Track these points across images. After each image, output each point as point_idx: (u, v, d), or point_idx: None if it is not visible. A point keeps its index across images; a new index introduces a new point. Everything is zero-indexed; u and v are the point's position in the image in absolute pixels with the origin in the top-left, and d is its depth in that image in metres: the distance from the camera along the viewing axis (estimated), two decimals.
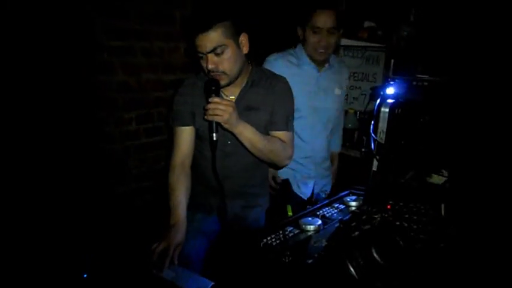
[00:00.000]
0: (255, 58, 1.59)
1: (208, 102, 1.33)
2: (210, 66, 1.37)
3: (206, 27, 1.33)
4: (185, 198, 1.53)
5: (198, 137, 1.59)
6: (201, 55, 1.39)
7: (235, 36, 1.40)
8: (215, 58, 1.37)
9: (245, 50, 1.47)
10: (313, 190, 2.11)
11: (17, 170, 1.89)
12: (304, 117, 1.96)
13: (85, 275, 1.29)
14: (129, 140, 2.38)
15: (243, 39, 1.45)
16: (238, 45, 1.42)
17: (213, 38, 1.34)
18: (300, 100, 1.88)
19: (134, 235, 2.07)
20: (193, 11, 2.38)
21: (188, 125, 1.55)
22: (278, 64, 1.93)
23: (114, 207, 2.25)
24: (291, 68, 1.95)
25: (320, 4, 1.86)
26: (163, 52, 2.43)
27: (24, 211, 1.89)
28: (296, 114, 1.74)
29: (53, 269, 1.77)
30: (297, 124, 1.83)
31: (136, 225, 2.17)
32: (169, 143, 1.64)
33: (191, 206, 1.57)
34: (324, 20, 1.84)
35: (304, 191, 2.08)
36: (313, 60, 1.97)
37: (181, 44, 2.49)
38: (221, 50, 1.36)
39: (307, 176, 2.07)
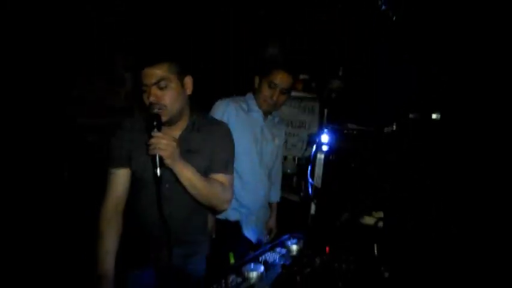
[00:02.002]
0: (196, 104, 1.62)
1: (151, 137, 1.31)
2: (152, 99, 1.38)
3: (154, 61, 1.38)
4: (115, 247, 1.44)
5: (135, 180, 1.52)
6: (144, 88, 1.40)
7: (180, 75, 1.44)
8: (158, 92, 1.39)
9: (188, 91, 1.50)
10: (257, 233, 2.13)
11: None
12: (249, 162, 2.02)
13: None
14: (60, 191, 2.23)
15: (188, 80, 1.49)
16: (182, 84, 1.46)
17: (158, 71, 1.38)
18: (247, 145, 1.95)
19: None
20: (141, 47, 2.40)
21: (124, 167, 1.50)
22: (230, 108, 1.99)
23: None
24: (240, 113, 2.03)
25: (283, 65, 1.99)
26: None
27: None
28: (242, 159, 1.77)
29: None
30: (241, 168, 1.85)
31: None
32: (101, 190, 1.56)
33: (125, 256, 1.47)
34: (281, 79, 1.96)
35: (252, 235, 2.09)
36: (264, 109, 2.07)
37: (121, 88, 2.47)
38: (165, 84, 1.39)
39: (251, 220, 2.10)
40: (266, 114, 2.12)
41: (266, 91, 1.99)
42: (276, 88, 1.98)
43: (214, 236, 2.00)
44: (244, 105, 2.07)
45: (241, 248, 1.98)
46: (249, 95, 2.11)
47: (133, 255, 1.54)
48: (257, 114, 2.08)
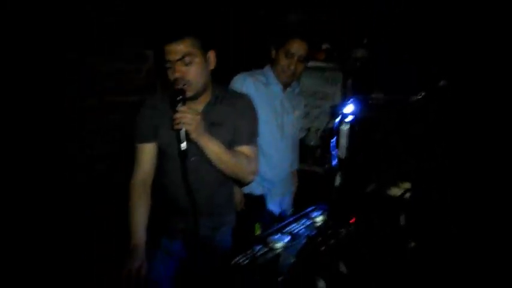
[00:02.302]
0: (218, 78, 1.61)
1: (176, 112, 1.32)
2: (178, 75, 1.38)
3: (177, 37, 1.37)
4: (145, 219, 1.50)
5: (161, 155, 1.56)
6: (169, 65, 1.40)
7: (203, 50, 1.44)
8: (183, 68, 1.39)
9: (212, 65, 1.50)
10: (281, 206, 2.16)
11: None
12: (270, 134, 2.02)
13: None
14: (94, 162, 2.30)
15: (211, 55, 1.48)
16: (205, 59, 1.45)
17: (182, 47, 1.37)
18: (267, 118, 1.95)
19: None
20: (163, 22, 2.38)
21: (150, 142, 1.53)
22: (248, 82, 1.98)
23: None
24: (259, 86, 2.01)
25: (298, 33, 1.97)
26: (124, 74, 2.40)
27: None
28: (263, 132, 1.78)
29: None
30: (264, 141, 1.86)
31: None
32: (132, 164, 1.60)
33: (155, 230, 1.53)
34: (297, 47, 1.94)
35: (275, 208, 2.12)
36: (283, 81, 2.05)
37: (143, 66, 2.48)
38: (189, 60, 1.39)
39: (275, 193, 2.12)
40: (285, 86, 2.09)
41: (283, 61, 1.97)
42: (293, 57, 1.95)
43: (243, 208, 2.04)
44: (262, 78, 2.05)
45: (266, 221, 2.02)
46: (267, 68, 2.09)
47: (163, 227, 1.60)
48: (276, 86, 2.06)
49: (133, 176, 1.54)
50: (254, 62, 2.30)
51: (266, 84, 2.05)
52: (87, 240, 1.96)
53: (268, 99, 2.02)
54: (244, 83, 1.97)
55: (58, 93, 2.03)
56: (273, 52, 2.03)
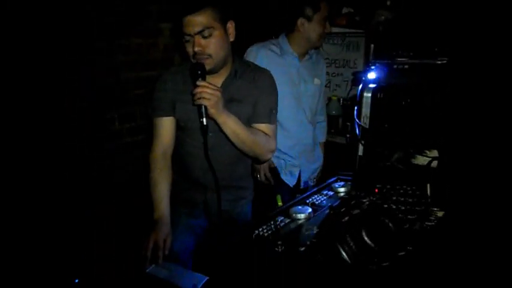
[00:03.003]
0: (238, 50, 1.57)
1: (196, 86, 1.30)
2: (197, 49, 1.35)
3: (196, 8, 1.32)
4: (168, 191, 1.51)
5: (180, 129, 1.56)
6: (187, 38, 1.37)
7: (223, 22, 1.39)
8: (202, 41, 1.35)
9: (231, 37, 1.45)
10: (299, 178, 2.14)
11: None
12: (286, 106, 1.98)
13: (76, 280, 1.27)
14: (112, 140, 2.34)
15: (230, 26, 1.44)
16: (225, 31, 1.41)
17: (201, 19, 1.33)
18: (283, 89, 1.90)
19: (125, 234, 2.07)
20: None
21: (168, 115, 1.53)
22: (261, 54, 1.95)
23: (101, 207, 2.22)
24: (273, 57, 1.97)
25: None
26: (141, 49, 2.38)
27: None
28: (280, 102, 1.74)
29: (44, 271, 1.77)
30: (279, 114, 1.84)
31: (126, 225, 2.16)
32: (150, 140, 1.61)
33: (175, 202, 1.55)
34: (327, 8, 1.96)
35: (290, 179, 2.11)
36: (297, 48, 2.01)
37: (159, 40, 2.45)
38: (209, 33, 1.35)
39: (292, 164, 2.11)
40: (303, 55, 2.04)
41: (321, 28, 1.97)
42: (327, 20, 1.96)
43: (268, 180, 2.04)
44: (275, 49, 2.01)
45: (284, 193, 2.03)
46: (282, 37, 2.04)
47: (184, 199, 1.63)
48: (291, 56, 2.01)
49: (152, 149, 1.55)
50: (271, 32, 2.22)
51: (281, 55, 2.00)
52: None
53: (283, 69, 1.97)
54: (257, 55, 1.94)
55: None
56: (302, 21, 1.96)
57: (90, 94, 2.14)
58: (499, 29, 1.17)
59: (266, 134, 1.52)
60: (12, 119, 1.85)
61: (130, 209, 2.25)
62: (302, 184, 2.15)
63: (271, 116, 1.55)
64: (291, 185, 2.12)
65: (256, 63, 1.83)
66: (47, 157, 1.97)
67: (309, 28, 1.95)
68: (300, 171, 2.14)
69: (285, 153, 2.08)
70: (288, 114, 2.00)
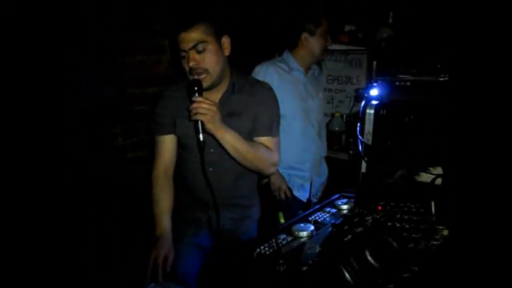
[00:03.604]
0: (237, 65, 1.58)
1: (192, 102, 1.31)
2: (192, 63, 1.36)
3: (189, 25, 1.34)
4: (169, 208, 1.51)
5: (181, 147, 1.56)
6: (183, 54, 1.38)
7: (217, 36, 1.41)
8: (197, 55, 1.37)
9: (226, 52, 1.46)
10: (310, 192, 2.14)
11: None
12: (298, 121, 2.01)
13: None
14: (115, 154, 2.34)
15: (225, 41, 1.45)
16: (220, 46, 1.42)
17: (194, 35, 1.35)
18: (294, 105, 1.94)
19: (125, 234, 2.04)
20: (175, 10, 2.37)
21: (169, 133, 1.53)
22: (270, 71, 1.98)
23: (104, 220, 2.20)
24: (282, 74, 2.01)
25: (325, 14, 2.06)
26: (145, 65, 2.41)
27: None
28: (290, 119, 1.76)
29: (44, 271, 1.74)
30: (290, 128, 1.85)
31: (126, 225, 2.14)
32: (153, 156, 1.61)
33: (179, 221, 1.54)
34: (327, 25, 2.03)
35: (303, 194, 2.11)
36: (302, 63, 2.05)
37: (163, 56, 2.48)
38: (202, 47, 1.36)
39: (303, 178, 2.11)
40: (307, 69, 2.08)
41: (324, 41, 2.02)
42: (328, 35, 2.01)
43: (286, 196, 2.04)
44: (283, 66, 2.04)
45: (293, 208, 2.01)
46: (287, 54, 2.08)
47: (188, 218, 1.61)
48: (298, 72, 2.05)
49: (154, 167, 1.55)
50: (271, 48, 2.25)
51: (289, 71, 2.03)
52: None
53: (293, 85, 2.02)
54: (267, 72, 1.97)
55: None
56: (305, 36, 2.00)
57: (91, 97, 2.15)
58: (504, 46, 1.18)
59: (268, 147, 1.50)
60: (13, 119, 1.85)
61: (130, 209, 2.24)
62: (312, 198, 2.15)
63: (272, 129, 1.53)
64: (305, 200, 2.12)
65: (266, 80, 1.84)
66: (47, 157, 1.96)
67: (313, 42, 2.00)
68: (310, 184, 2.15)
69: (298, 169, 2.09)
70: (299, 129, 2.04)
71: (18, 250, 1.78)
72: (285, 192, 2.03)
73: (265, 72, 1.97)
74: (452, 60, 1.27)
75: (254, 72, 2.01)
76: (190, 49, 1.36)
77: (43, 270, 1.77)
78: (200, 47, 1.36)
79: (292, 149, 1.99)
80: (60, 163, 2.03)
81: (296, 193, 2.11)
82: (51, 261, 1.83)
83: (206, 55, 1.37)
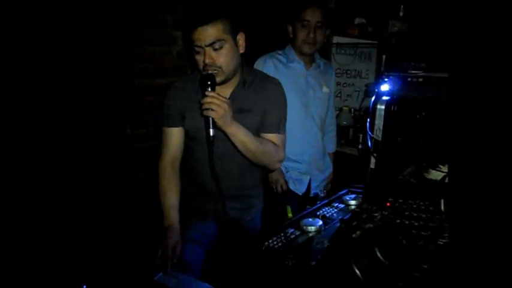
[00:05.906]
0: (248, 60, 1.58)
1: (205, 96, 1.30)
2: (208, 61, 1.35)
3: (207, 21, 1.32)
4: (177, 200, 1.52)
5: (189, 139, 1.56)
6: (198, 49, 1.37)
7: (233, 34, 1.40)
8: (213, 53, 1.36)
9: (241, 49, 1.46)
10: (309, 186, 2.15)
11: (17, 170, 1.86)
12: (294, 113, 2.00)
13: (84, 286, 1.27)
14: (123, 145, 2.35)
15: (241, 38, 1.44)
16: (235, 43, 1.42)
17: (212, 31, 1.33)
18: (290, 96, 1.92)
19: (132, 239, 2.07)
20: (193, 5, 2.36)
21: (177, 126, 1.54)
22: (267, 63, 2.02)
23: (112, 210, 2.23)
24: (279, 67, 2.03)
25: (309, 1, 1.99)
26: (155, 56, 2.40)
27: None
28: (288, 110, 1.75)
29: (49, 273, 1.77)
30: (288, 122, 1.85)
31: (133, 230, 2.16)
32: (160, 147, 1.62)
33: (186, 211, 1.55)
34: (311, 14, 1.96)
35: (299, 187, 2.12)
36: (302, 56, 2.05)
37: (173, 48, 2.47)
38: (219, 45, 1.35)
39: (301, 172, 2.11)
40: (308, 62, 2.08)
41: (302, 32, 1.98)
42: (310, 24, 1.96)
43: (284, 189, 2.07)
44: (282, 58, 2.06)
45: (293, 202, 2.03)
46: (288, 47, 2.10)
47: (195, 208, 1.63)
48: (298, 64, 2.06)
49: (161, 158, 1.56)
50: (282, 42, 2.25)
51: (287, 63, 2.05)
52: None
53: (290, 77, 2.02)
54: (264, 65, 2.02)
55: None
56: (290, 28, 2.04)
57: (100, 87, 2.15)
58: (504, 46, 1.16)
59: (275, 144, 1.52)
60: (21, 112, 1.86)
61: (140, 200, 2.27)
62: (311, 192, 2.15)
63: (280, 126, 1.55)
64: (300, 194, 2.12)
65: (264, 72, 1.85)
66: (50, 158, 1.97)
67: (294, 34, 2.03)
68: (310, 179, 2.14)
69: (295, 161, 2.09)
70: (296, 120, 2.03)
71: (21, 251, 1.80)
72: (281, 186, 2.05)
73: (263, 65, 2.01)
74: (453, 58, 1.26)
75: (255, 64, 2.04)
76: (207, 46, 1.34)
77: (43, 269, 1.79)
78: (217, 45, 1.35)
79: (289, 141, 1.99)
80: (67, 154, 2.04)
81: (292, 187, 2.11)
82: (51, 260, 1.84)
83: (222, 53, 1.36)
